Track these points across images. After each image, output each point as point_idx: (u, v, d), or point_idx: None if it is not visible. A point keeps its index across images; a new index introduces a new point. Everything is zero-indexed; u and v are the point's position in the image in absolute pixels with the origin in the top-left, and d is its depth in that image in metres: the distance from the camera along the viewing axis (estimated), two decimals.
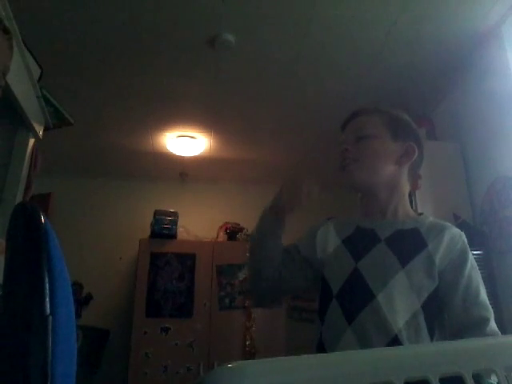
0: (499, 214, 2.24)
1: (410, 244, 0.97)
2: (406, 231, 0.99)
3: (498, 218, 2.25)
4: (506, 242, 2.17)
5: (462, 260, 0.95)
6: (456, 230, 1.00)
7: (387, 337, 0.88)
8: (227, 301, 3.50)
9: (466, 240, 0.99)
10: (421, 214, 1.07)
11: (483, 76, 2.48)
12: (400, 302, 0.91)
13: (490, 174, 2.37)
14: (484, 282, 0.95)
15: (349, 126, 1.09)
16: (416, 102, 2.94)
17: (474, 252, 2.24)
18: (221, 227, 3.91)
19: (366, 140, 1.03)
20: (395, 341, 0.88)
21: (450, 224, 1.02)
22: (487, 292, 0.94)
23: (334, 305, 0.98)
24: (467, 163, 2.63)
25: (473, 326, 0.89)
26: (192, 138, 3.60)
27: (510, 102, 2.22)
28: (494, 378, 0.44)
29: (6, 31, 1.09)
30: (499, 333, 0.89)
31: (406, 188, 1.07)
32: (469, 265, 0.94)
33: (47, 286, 0.48)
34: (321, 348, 0.98)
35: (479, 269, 0.98)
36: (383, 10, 2.24)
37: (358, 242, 1.02)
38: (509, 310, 2.06)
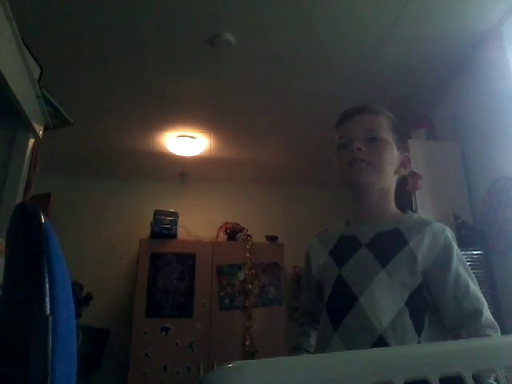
0: (499, 214, 2.24)
1: (390, 244, 0.97)
2: (386, 233, 0.99)
3: (498, 219, 2.25)
4: (505, 242, 2.17)
5: (448, 255, 0.94)
6: (438, 226, 0.98)
7: (372, 338, 0.89)
8: (227, 301, 3.50)
9: (450, 234, 0.97)
10: (407, 212, 1.07)
11: (483, 76, 2.48)
12: (383, 301, 0.91)
13: (490, 174, 2.37)
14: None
15: (356, 121, 1.05)
16: (416, 103, 2.94)
17: (474, 252, 2.24)
18: (221, 227, 3.91)
19: (379, 143, 1.01)
20: (380, 341, 0.88)
21: (432, 220, 1.02)
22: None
23: (324, 314, 1.01)
24: (467, 163, 2.62)
25: (467, 320, 0.89)
26: (192, 138, 3.60)
27: (510, 102, 2.22)
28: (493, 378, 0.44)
29: None
30: (495, 323, 0.89)
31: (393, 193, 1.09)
32: (455, 259, 0.94)
33: (47, 286, 0.48)
34: None
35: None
36: (383, 10, 2.24)
37: (342, 250, 1.03)
38: (509, 309, 2.06)
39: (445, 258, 0.94)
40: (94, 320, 3.53)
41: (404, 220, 1.02)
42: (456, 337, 0.89)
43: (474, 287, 0.92)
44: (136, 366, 3.20)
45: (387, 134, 1.03)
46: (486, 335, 0.86)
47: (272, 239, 3.82)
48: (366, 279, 0.94)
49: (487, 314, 0.89)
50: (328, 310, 1.00)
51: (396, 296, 0.91)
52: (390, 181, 1.05)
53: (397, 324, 0.89)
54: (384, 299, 0.91)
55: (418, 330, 0.90)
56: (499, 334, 0.88)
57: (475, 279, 0.95)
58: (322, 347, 0.99)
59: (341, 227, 1.11)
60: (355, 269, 0.97)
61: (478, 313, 0.89)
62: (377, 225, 1.01)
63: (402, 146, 1.07)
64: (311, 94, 3.00)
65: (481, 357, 0.46)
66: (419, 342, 0.88)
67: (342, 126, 1.07)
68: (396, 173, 1.05)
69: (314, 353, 1.02)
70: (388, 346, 0.87)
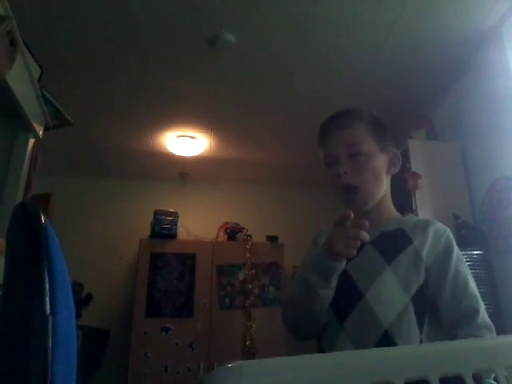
0: (499, 214, 2.24)
1: (395, 243, 0.99)
2: (390, 232, 1.01)
3: (498, 218, 2.24)
4: (505, 241, 2.17)
5: (448, 253, 0.96)
6: (440, 225, 1.01)
7: (378, 333, 0.89)
8: (227, 301, 3.50)
9: (450, 234, 1.00)
10: (406, 214, 1.09)
11: (483, 76, 2.48)
12: (389, 297, 0.93)
13: (490, 174, 2.37)
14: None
15: (336, 138, 1.05)
16: (416, 103, 2.94)
17: (474, 252, 2.24)
18: (221, 227, 3.91)
19: (362, 158, 1.00)
20: (386, 336, 0.89)
21: (434, 220, 1.04)
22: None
23: (328, 310, 1.00)
24: (467, 163, 2.62)
25: (464, 318, 0.90)
26: (192, 138, 3.60)
27: (510, 102, 2.22)
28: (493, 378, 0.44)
29: (14, 43, 1.08)
30: (491, 324, 0.90)
31: (389, 191, 1.09)
32: (454, 257, 0.96)
33: (47, 286, 0.48)
34: (321, 352, 1.00)
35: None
36: (383, 11, 2.24)
37: None
38: (509, 310, 2.06)
39: (446, 255, 0.96)
40: (94, 320, 3.53)
41: (406, 221, 1.04)
42: (453, 336, 0.89)
43: (473, 287, 0.94)
44: (136, 365, 3.20)
45: (368, 145, 1.02)
46: (482, 336, 0.86)
47: (272, 239, 3.82)
48: (372, 276, 0.95)
49: (484, 314, 0.90)
50: (332, 306, 0.99)
51: (402, 292, 0.93)
52: (384, 186, 1.05)
53: (403, 319, 0.90)
54: (390, 295, 0.93)
55: (420, 326, 0.91)
56: (494, 335, 0.89)
57: (473, 280, 0.96)
58: (328, 343, 0.99)
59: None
60: (361, 265, 0.98)
61: (476, 312, 0.90)
62: (380, 224, 1.03)
63: (387, 145, 1.05)
64: (311, 94, 2.99)
65: (481, 357, 0.46)
66: (421, 339, 0.89)
67: (323, 143, 1.10)
68: (387, 174, 1.06)
69: (324, 347, 1.01)
70: (393, 341, 0.88)
